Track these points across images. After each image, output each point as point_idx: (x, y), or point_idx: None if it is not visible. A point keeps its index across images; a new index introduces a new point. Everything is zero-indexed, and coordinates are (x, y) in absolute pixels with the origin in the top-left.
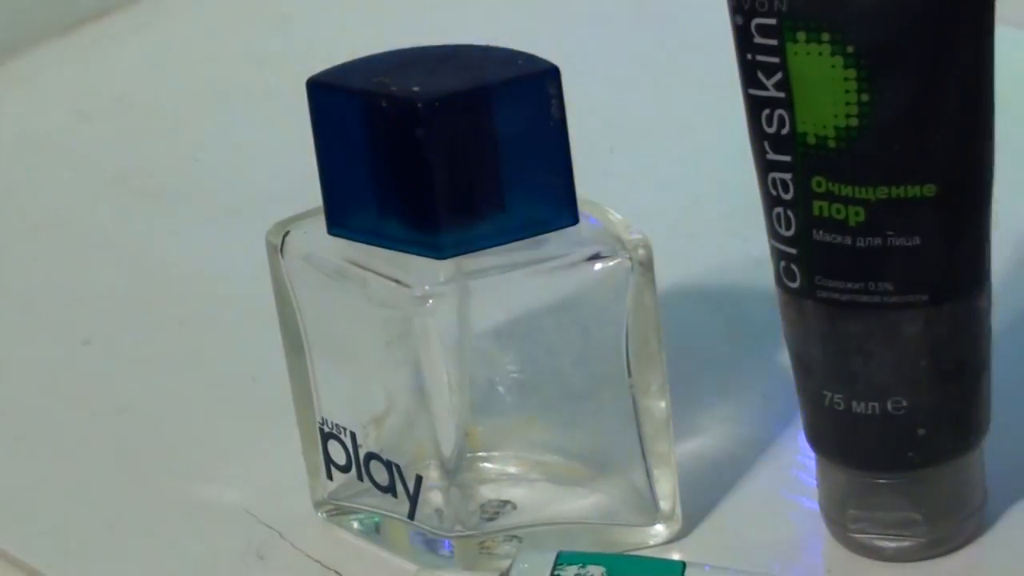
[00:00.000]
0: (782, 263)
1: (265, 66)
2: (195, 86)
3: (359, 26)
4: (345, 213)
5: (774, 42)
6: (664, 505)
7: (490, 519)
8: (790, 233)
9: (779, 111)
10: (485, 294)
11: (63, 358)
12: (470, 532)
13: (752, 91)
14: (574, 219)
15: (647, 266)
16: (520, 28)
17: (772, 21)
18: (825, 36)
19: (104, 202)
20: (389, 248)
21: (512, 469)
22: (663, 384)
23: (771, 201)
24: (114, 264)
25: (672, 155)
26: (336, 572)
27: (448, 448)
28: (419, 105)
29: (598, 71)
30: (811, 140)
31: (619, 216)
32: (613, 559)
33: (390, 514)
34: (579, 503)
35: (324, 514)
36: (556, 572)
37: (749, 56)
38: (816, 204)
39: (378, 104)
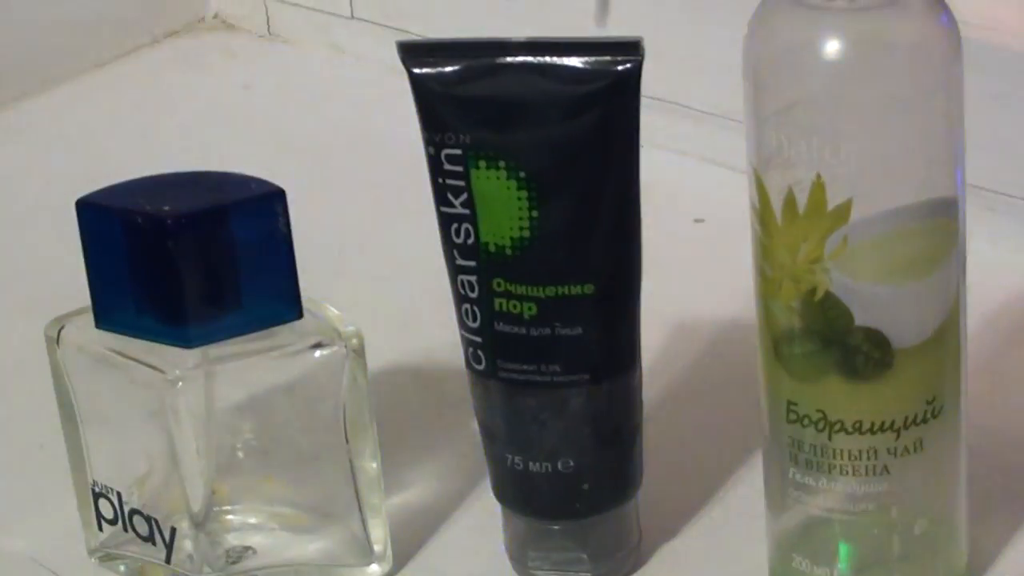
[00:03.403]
0: (470, 349)
1: (49, 189)
2: None
3: (125, 154)
4: (110, 310)
5: (460, 168)
6: (377, 548)
7: (234, 562)
8: (476, 324)
9: (465, 224)
10: (227, 376)
11: None
12: (217, 574)
13: (443, 208)
14: (299, 314)
15: (360, 352)
16: (258, 156)
17: (458, 151)
18: (502, 163)
19: None
20: (146, 339)
21: (252, 519)
22: (375, 448)
23: (460, 299)
24: None
25: (389, 261)
26: None
27: (197, 504)
28: (168, 221)
29: (330, 194)
30: (492, 248)
31: (336, 311)
32: None
33: (150, 559)
34: (308, 547)
35: (96, 559)
36: None
37: (440, 180)
38: (496, 301)
39: (135, 220)
